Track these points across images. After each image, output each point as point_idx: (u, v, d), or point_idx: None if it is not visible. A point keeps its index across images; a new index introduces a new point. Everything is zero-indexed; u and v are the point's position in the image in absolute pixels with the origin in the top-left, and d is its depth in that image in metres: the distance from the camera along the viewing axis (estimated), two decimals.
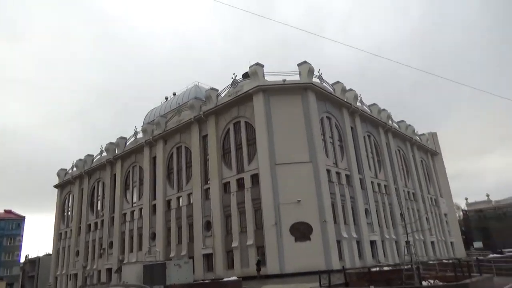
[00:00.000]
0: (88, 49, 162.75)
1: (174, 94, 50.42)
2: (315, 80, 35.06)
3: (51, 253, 59.73)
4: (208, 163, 36.27)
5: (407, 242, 12.86)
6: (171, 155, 40.55)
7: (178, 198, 38.29)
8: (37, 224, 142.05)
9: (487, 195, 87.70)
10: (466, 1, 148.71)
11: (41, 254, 77.54)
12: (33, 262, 79.31)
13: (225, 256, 32.02)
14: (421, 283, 11.24)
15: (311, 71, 34.08)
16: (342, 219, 32.22)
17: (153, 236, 39.31)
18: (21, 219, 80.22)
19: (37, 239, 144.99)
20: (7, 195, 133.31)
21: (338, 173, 34.43)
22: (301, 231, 28.78)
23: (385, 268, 14.27)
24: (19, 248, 78.17)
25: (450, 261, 18.82)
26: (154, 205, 40.35)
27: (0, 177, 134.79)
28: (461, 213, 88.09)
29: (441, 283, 12.61)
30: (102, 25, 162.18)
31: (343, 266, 17.95)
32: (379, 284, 10.68)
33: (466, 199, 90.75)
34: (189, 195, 37.13)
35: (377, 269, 14.63)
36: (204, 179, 36.14)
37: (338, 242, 30.38)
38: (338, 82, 39.23)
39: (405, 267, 12.47)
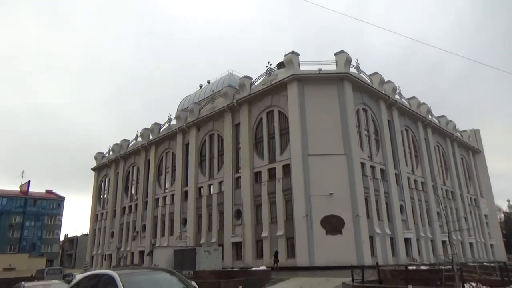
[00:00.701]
0: (123, 35, 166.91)
1: (209, 82, 50.62)
2: (352, 70, 33.95)
3: (88, 233, 62.36)
4: (240, 151, 36.17)
5: (449, 241, 12.04)
6: (203, 142, 40.80)
7: (209, 186, 38.56)
8: (76, 205, 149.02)
9: None
10: None
11: (79, 234, 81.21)
12: (71, 241, 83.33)
13: (255, 246, 31.97)
14: (463, 286, 10.50)
15: (348, 60, 32.99)
16: (376, 215, 31.24)
17: (184, 222, 39.92)
18: (61, 199, 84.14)
19: (76, 220, 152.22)
20: (48, 176, 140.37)
21: (372, 167, 33.34)
22: (333, 224, 28.15)
23: (422, 267, 13.55)
24: (59, 227, 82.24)
25: (492, 264, 17.65)
26: (186, 192, 40.88)
27: (42, 158, 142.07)
28: (502, 215, 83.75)
29: (484, 287, 11.75)
30: (137, 11, 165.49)
31: (376, 262, 17.30)
32: (416, 283, 10.06)
33: (508, 200, 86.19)
34: (220, 183, 37.27)
35: (414, 267, 13.88)
36: (235, 168, 36.12)
37: (371, 237, 29.52)
38: (376, 73, 37.83)
39: (445, 267, 11.69)
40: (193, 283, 7.59)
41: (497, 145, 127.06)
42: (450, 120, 50.93)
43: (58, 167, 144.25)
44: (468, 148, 55.07)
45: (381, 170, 34.37)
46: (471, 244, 44.55)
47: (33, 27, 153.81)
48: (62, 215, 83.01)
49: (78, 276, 8.54)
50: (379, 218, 31.56)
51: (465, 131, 56.06)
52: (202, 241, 36.49)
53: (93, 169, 59.99)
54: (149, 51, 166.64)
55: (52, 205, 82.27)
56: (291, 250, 29.23)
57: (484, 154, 57.47)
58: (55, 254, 79.51)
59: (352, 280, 14.23)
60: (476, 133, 58.34)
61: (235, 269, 22.94)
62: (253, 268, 20.32)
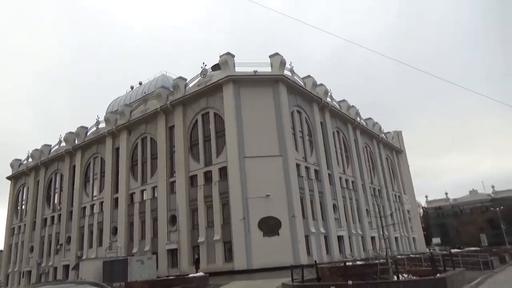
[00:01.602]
0: (49, 30, 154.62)
1: (140, 84, 48.40)
2: (287, 73, 34.55)
3: (1, 249, 56.01)
4: (174, 155, 34.88)
5: (383, 236, 12.41)
6: (135, 146, 38.75)
7: (142, 192, 36.64)
8: None
9: (446, 193, 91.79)
10: None
11: None
12: None
13: (191, 252, 30.88)
14: (398, 277, 10.82)
15: (282, 63, 33.49)
16: (311, 214, 31.94)
17: (114, 231, 37.43)
18: None
19: None
20: None
21: (307, 168, 34.11)
22: (270, 226, 28.17)
23: (358, 263, 13.91)
24: None
25: (417, 256, 18.77)
26: (116, 199, 38.43)
27: None
28: (421, 210, 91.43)
29: (415, 277, 12.28)
30: (65, 5, 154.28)
31: (315, 261, 17.49)
32: (354, 278, 10.12)
33: (426, 196, 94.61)
34: (153, 188, 35.59)
35: (350, 263, 14.18)
36: (170, 172, 34.74)
37: (306, 237, 30.06)
38: (309, 76, 38.96)
39: (380, 261, 12.01)
40: None
41: (417, 145, 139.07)
42: (376, 122, 54.29)
43: None
44: (392, 149, 59.15)
45: (315, 170, 35.31)
46: (396, 238, 47.67)
47: None
48: None
49: None
50: (313, 218, 32.30)
51: (389, 132, 60.20)
52: (135, 250, 34.46)
53: (8, 177, 54.13)
54: (77, 50, 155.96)
55: None
56: (228, 254, 28.68)
57: (406, 154, 62.22)
58: None
59: (292, 280, 14.12)
60: (398, 134, 62.99)
61: (171, 277, 21.85)
62: (190, 275, 19.46)
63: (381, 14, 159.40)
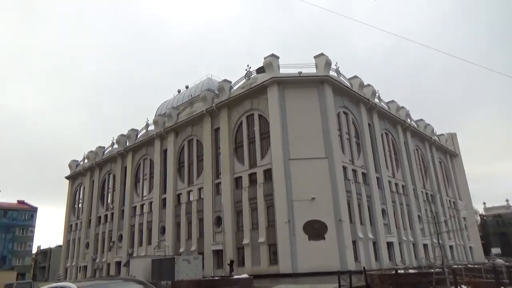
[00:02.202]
0: (101, 37, 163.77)
1: (187, 87, 49.63)
2: (332, 73, 33.77)
3: (61, 244, 59.76)
4: (219, 157, 35.28)
5: (438, 243, 11.56)
6: (182, 148, 39.71)
7: (188, 192, 37.42)
8: (49, 215, 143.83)
9: (507, 200, 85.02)
10: None
11: (52, 246, 77.92)
12: (44, 253, 79.83)
13: (236, 253, 30.98)
14: None
15: (328, 63, 32.77)
16: (358, 219, 30.86)
17: (162, 231, 38.55)
18: (34, 210, 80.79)
19: (49, 231, 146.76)
20: (20, 185, 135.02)
21: (354, 171, 33.06)
22: (315, 230, 27.54)
23: (411, 271, 13.06)
24: (31, 239, 78.79)
25: (476, 266, 17.35)
26: (164, 199, 39.57)
27: (14, 167, 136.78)
28: (478, 217, 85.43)
29: None
30: (116, 12, 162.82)
31: (363, 267, 16.74)
32: (406, 287, 9.44)
33: (484, 203, 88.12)
34: (199, 189, 36.21)
35: (402, 271, 13.34)
36: (215, 174, 35.17)
37: (354, 242, 29.05)
38: (356, 76, 37.85)
39: (435, 270, 11.18)
40: None
41: (474, 148, 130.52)
42: (428, 124, 51.58)
43: (30, 176, 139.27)
44: (446, 152, 55.87)
45: (363, 173, 34.14)
46: (451, 246, 44.83)
47: (3, 21, 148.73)
48: (34, 226, 79.66)
49: None
50: (361, 223, 31.19)
51: (442, 134, 56.92)
52: (181, 249, 35.23)
53: (67, 177, 57.73)
54: (127, 55, 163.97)
55: (24, 216, 78.87)
56: (273, 257, 28.43)
57: (461, 157, 58.48)
58: (27, 267, 75.95)
59: (339, 286, 13.56)
60: (453, 136, 59.34)
61: (216, 277, 21.98)
62: (235, 276, 19.45)
63: (431, 8, 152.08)
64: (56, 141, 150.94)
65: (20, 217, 78.18)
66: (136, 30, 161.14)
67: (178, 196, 38.39)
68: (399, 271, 12.24)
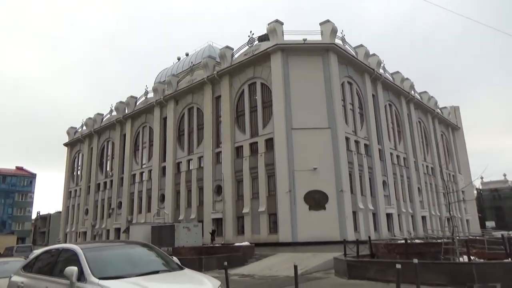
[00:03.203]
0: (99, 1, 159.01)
1: (187, 55, 48.40)
2: (338, 42, 32.69)
3: (61, 211, 60.14)
4: (220, 125, 34.70)
5: (450, 214, 11.26)
6: (182, 116, 39.04)
7: (188, 161, 37.10)
8: (48, 181, 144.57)
9: (504, 175, 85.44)
10: None
11: (52, 212, 78.62)
12: (44, 219, 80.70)
13: (235, 222, 31.03)
14: (470, 259, 9.76)
15: (334, 31, 31.62)
16: (359, 190, 30.71)
17: (162, 198, 38.53)
18: (33, 176, 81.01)
19: (48, 197, 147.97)
20: (18, 152, 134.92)
21: (357, 142, 32.63)
22: (316, 200, 27.43)
23: (417, 241, 12.89)
24: (30, 204, 79.50)
25: (477, 238, 17.26)
26: (164, 167, 39.30)
27: (12, 133, 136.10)
28: (475, 191, 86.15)
29: (481, 260, 11.10)
30: None
31: (368, 237, 16.60)
32: (412, 257, 9.17)
33: (482, 178, 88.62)
34: (199, 158, 35.86)
35: (409, 241, 13.14)
36: (215, 142, 34.72)
37: (354, 213, 29.02)
38: (361, 45, 36.74)
39: (445, 240, 10.92)
40: (174, 258, 6.35)
41: (476, 122, 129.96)
42: (432, 96, 50.79)
43: (28, 142, 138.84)
44: (448, 125, 55.39)
45: (365, 145, 33.72)
46: (448, 219, 45.09)
47: None
48: (33, 192, 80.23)
49: (37, 251, 7.17)
50: (362, 194, 31.09)
51: (445, 107, 56.22)
52: (181, 217, 35.29)
53: (65, 144, 57.28)
54: (126, 20, 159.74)
55: (23, 182, 79.17)
56: (273, 226, 28.47)
57: (463, 131, 58.09)
58: (27, 232, 77.02)
59: (345, 254, 13.39)
60: (456, 109, 58.71)
61: (216, 245, 22.00)
62: (236, 244, 19.40)
63: None
64: (55, 108, 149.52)
65: (19, 183, 78.50)
66: None
67: (178, 164, 38.10)
68: (400, 241, 12.07)
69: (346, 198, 27.99)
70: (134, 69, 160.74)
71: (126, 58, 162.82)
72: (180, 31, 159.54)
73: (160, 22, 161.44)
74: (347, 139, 30.89)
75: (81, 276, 5.24)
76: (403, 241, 13.13)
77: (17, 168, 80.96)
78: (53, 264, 6.16)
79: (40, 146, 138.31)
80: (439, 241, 11.53)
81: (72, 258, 5.68)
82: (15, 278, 6.86)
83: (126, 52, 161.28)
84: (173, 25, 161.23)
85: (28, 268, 6.86)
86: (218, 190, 33.04)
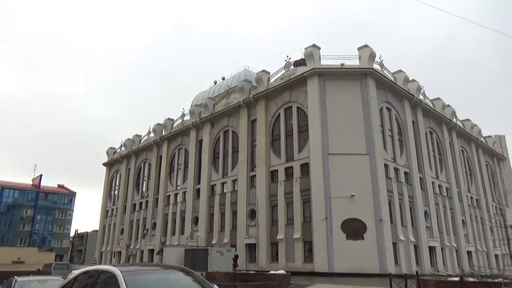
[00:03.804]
0: (138, 27, 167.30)
1: (223, 79, 49.30)
2: (376, 67, 32.20)
3: (98, 229, 61.54)
4: (255, 149, 34.63)
5: (509, 251, 10.25)
6: (217, 139, 39.40)
7: (222, 184, 37.08)
8: (87, 200, 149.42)
9: None
10: None
11: (89, 230, 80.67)
12: (81, 237, 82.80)
13: (269, 248, 30.32)
14: None
15: (372, 56, 31.21)
16: (399, 220, 29.27)
17: (195, 221, 38.51)
18: (73, 194, 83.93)
19: (86, 215, 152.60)
20: (60, 170, 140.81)
21: (396, 169, 31.42)
22: (354, 229, 26.34)
23: (470, 279, 11.80)
24: (69, 222, 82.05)
25: None
26: (198, 190, 39.49)
27: (54, 152, 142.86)
28: None
29: None
30: (154, 2, 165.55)
31: (416, 271, 15.48)
32: None
33: None
34: (234, 181, 35.77)
35: (468, 279, 11.99)
36: (250, 166, 34.58)
37: (394, 244, 27.56)
38: (400, 70, 36.02)
39: (504, 281, 9.91)
40: (215, 286, 6.05)
41: None
42: (475, 124, 48.60)
43: (69, 161, 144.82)
44: (493, 155, 52.53)
45: (405, 173, 32.42)
46: (496, 256, 42.07)
47: (44, 6, 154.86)
48: (73, 210, 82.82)
49: (76, 272, 7.08)
50: (402, 224, 29.60)
51: (490, 136, 53.52)
52: (214, 241, 35.01)
53: (104, 164, 59.20)
54: (163, 45, 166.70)
55: (63, 199, 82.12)
56: (308, 254, 27.52)
57: (510, 161, 54.84)
58: (65, 249, 79.18)
59: None
60: (501, 139, 55.77)
61: (251, 271, 21.41)
62: (271, 272, 18.77)
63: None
64: (95, 128, 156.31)
65: (60, 201, 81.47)
66: (175, 20, 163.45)
67: (212, 187, 38.16)
68: (453, 279, 11.05)
69: (386, 228, 26.71)
70: (172, 93, 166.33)
71: (165, 82, 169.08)
72: (215, 55, 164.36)
73: (196, 45, 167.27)
74: (386, 166, 29.83)
75: None
76: (456, 279, 12.05)
77: (59, 186, 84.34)
78: (91, 286, 6.02)
79: (80, 165, 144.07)
80: (496, 280, 10.47)
81: (111, 280, 5.51)
82: None
83: (164, 77, 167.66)
84: (209, 49, 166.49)
85: None
86: (252, 214, 32.61)
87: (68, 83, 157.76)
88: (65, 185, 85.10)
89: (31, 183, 79.50)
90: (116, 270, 5.58)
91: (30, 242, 73.36)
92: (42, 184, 78.92)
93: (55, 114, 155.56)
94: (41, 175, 78.99)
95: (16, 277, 9.96)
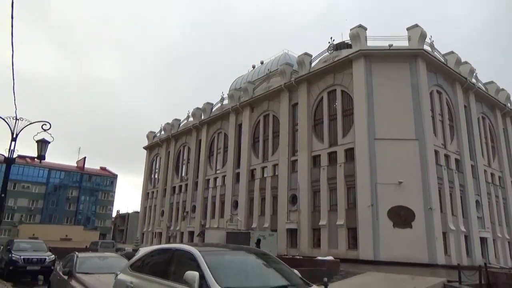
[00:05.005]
0: (175, 10, 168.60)
1: (262, 63, 48.59)
2: (426, 48, 30.36)
3: (138, 211, 63.59)
4: (297, 133, 33.96)
5: None
6: (257, 123, 39.00)
7: (262, 168, 36.80)
8: (127, 182, 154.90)
9: None
10: None
11: (130, 211, 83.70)
12: (123, 218, 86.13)
13: (311, 234, 29.86)
14: None
15: (423, 36, 29.42)
16: (450, 209, 27.86)
17: (235, 205, 38.64)
18: (114, 176, 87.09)
19: (127, 197, 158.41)
20: (102, 153, 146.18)
21: (447, 156, 29.82)
22: (401, 216, 25.30)
23: None
24: (111, 203, 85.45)
25: None
26: (238, 174, 39.49)
27: (97, 135, 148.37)
28: None
29: None
30: None
31: (484, 263, 14.46)
32: None
33: None
34: (274, 166, 35.37)
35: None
36: (291, 150, 34.00)
37: (444, 234, 26.31)
38: (452, 52, 33.90)
39: None
40: (295, 271, 5.65)
41: None
42: None
43: (110, 144, 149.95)
44: None
45: (456, 160, 30.74)
46: None
47: None
48: (114, 192, 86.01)
49: (143, 250, 6.88)
50: (453, 213, 28.17)
51: None
52: (254, 225, 34.99)
53: (145, 147, 60.61)
54: (201, 29, 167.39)
55: (105, 181, 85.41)
56: (352, 241, 26.85)
57: None
58: (108, 229, 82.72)
59: (460, 282, 11.71)
60: None
61: (297, 256, 21.06)
62: (319, 258, 18.34)
63: None
64: (135, 112, 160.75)
65: (102, 183, 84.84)
66: (211, 4, 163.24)
67: (252, 171, 37.99)
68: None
69: (436, 217, 25.47)
70: (211, 77, 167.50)
71: (201, 66, 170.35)
72: (252, 39, 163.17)
73: (233, 31, 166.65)
74: (436, 152, 28.34)
75: (202, 283, 4.71)
76: None
77: (101, 168, 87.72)
78: (165, 266, 5.75)
79: (121, 148, 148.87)
80: None
81: (189, 261, 5.20)
82: (123, 277, 6.58)
83: (200, 61, 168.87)
84: (246, 33, 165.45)
85: (136, 267, 6.57)
86: (293, 199, 32.18)
87: (108, 68, 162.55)
88: (107, 168, 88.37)
89: (76, 165, 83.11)
90: (194, 249, 5.28)
91: (75, 221, 77.22)
92: (85, 166, 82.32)
93: (96, 98, 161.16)
94: (85, 158, 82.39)
95: (76, 253, 10.06)
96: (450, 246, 26.36)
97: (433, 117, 29.78)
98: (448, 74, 32.24)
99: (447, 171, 28.86)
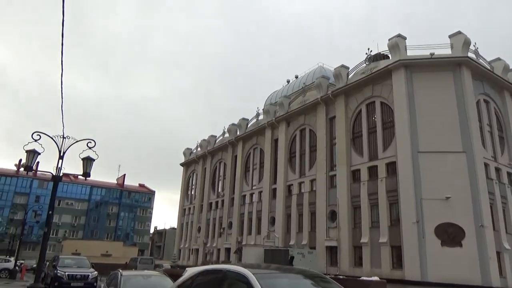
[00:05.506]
0: (202, 30, 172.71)
1: (296, 77, 48.43)
2: (470, 55, 28.99)
3: (175, 227, 64.24)
4: (334, 147, 33.15)
5: None
6: (293, 137, 38.54)
7: (299, 184, 36.10)
8: (164, 199, 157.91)
9: None
10: None
11: (167, 227, 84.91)
12: (160, 234, 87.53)
13: (352, 252, 28.66)
14: None
15: (466, 43, 28.14)
16: (503, 227, 25.93)
17: (272, 221, 38.03)
18: (152, 193, 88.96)
19: (164, 213, 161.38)
20: (139, 169, 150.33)
21: (497, 169, 27.96)
22: (450, 234, 23.76)
23: None
24: (149, 219, 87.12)
25: None
26: (274, 189, 38.97)
27: (135, 153, 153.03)
28: None
29: None
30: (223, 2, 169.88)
31: None
32: None
33: None
34: (312, 181, 34.60)
35: None
36: (329, 165, 33.17)
37: (498, 253, 24.40)
38: (498, 58, 32.21)
39: None
40: None
41: None
42: None
43: (148, 161, 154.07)
44: None
45: (508, 173, 28.76)
46: None
47: (124, 13, 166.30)
48: (152, 208, 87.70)
49: (191, 270, 6.61)
50: (507, 231, 26.17)
51: None
52: (292, 242, 34.15)
53: (181, 164, 61.53)
54: (235, 45, 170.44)
55: (144, 198, 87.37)
56: (396, 261, 25.48)
57: None
58: (146, 245, 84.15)
59: None
60: None
61: (340, 276, 20.18)
62: (364, 278, 17.41)
63: None
64: (172, 128, 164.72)
65: (141, 199, 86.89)
66: (245, 20, 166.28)
67: (289, 187, 37.38)
68: None
69: (488, 235, 23.71)
70: (245, 94, 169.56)
71: (236, 83, 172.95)
72: (287, 54, 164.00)
73: (268, 45, 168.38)
74: (486, 165, 26.63)
75: None
76: None
77: (140, 185, 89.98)
78: (217, 286, 5.46)
79: (158, 165, 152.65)
80: None
81: (242, 284, 4.89)
82: None
83: (235, 77, 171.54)
84: (281, 48, 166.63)
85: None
86: (332, 215, 31.18)
87: (145, 86, 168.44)
88: (145, 185, 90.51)
89: (116, 182, 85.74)
90: (246, 271, 4.96)
91: (115, 237, 79.21)
92: (125, 183, 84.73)
93: (134, 116, 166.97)
94: (124, 175, 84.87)
95: (121, 270, 9.99)
96: (505, 267, 24.38)
97: (481, 128, 28.14)
98: (495, 82, 30.60)
99: (498, 185, 27.00)
